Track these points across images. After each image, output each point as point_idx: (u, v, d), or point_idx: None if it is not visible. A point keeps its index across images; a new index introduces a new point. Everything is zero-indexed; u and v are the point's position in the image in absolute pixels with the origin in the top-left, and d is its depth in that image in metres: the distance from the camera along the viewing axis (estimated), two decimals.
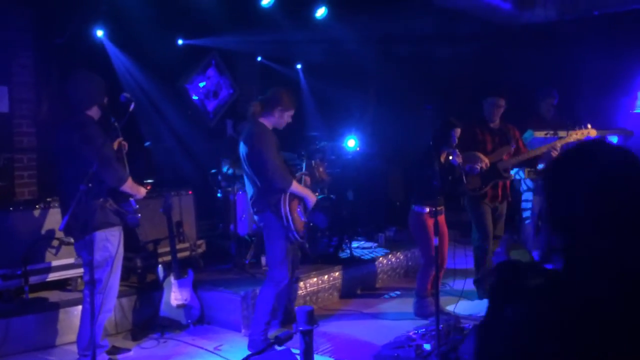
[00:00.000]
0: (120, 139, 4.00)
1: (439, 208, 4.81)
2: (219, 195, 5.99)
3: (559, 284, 1.36)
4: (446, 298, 5.27)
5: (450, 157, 4.73)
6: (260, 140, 4.05)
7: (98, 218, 3.64)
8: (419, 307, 4.95)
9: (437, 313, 3.64)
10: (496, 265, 1.54)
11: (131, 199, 3.90)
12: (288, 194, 4.08)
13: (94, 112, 3.83)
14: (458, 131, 4.77)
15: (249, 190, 4.24)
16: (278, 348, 3.60)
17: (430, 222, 4.83)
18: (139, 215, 3.96)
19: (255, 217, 4.33)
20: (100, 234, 3.70)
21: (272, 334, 4.36)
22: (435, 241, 3.84)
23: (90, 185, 3.15)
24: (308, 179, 4.63)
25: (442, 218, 4.97)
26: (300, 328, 2.28)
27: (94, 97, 3.79)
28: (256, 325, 4.19)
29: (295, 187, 4.13)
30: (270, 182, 4.02)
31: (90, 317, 3.30)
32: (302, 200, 4.27)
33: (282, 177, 4.02)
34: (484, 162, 5.09)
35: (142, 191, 3.97)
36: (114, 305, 4.01)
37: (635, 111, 7.85)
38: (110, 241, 3.77)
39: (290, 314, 4.79)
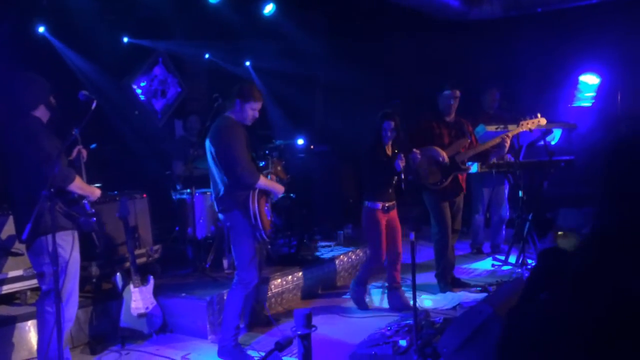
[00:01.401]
0: (80, 147, 3.77)
1: (389, 203, 4.90)
2: (173, 197, 5.77)
3: (598, 273, 1.35)
4: (408, 293, 5.28)
5: (396, 151, 4.78)
6: (228, 134, 3.93)
7: (45, 222, 3.38)
8: (353, 292, 5.09)
9: (414, 309, 3.63)
10: (540, 252, 1.52)
11: (84, 201, 3.68)
12: (257, 190, 3.97)
13: (41, 113, 3.62)
14: (392, 123, 4.82)
15: (214, 188, 4.09)
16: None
17: (381, 218, 4.90)
18: (94, 219, 3.74)
19: (221, 217, 4.19)
20: (49, 238, 3.41)
21: (240, 338, 4.22)
22: (411, 236, 3.85)
23: (52, 190, 2.92)
24: (273, 177, 4.56)
25: (394, 213, 5.04)
26: (299, 332, 2.19)
27: (37, 97, 3.60)
28: (226, 330, 4.04)
29: (263, 181, 4.03)
30: (238, 178, 3.88)
31: (57, 327, 3.07)
32: (268, 196, 4.17)
33: (251, 173, 3.91)
34: (442, 155, 5.16)
35: (97, 192, 3.76)
36: (75, 313, 3.76)
37: (573, 105, 8.22)
38: (62, 246, 3.52)
39: (258, 315, 4.67)
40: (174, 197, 5.75)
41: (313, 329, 2.16)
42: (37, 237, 3.41)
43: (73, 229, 3.63)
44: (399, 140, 4.95)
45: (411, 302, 4.84)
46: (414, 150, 4.80)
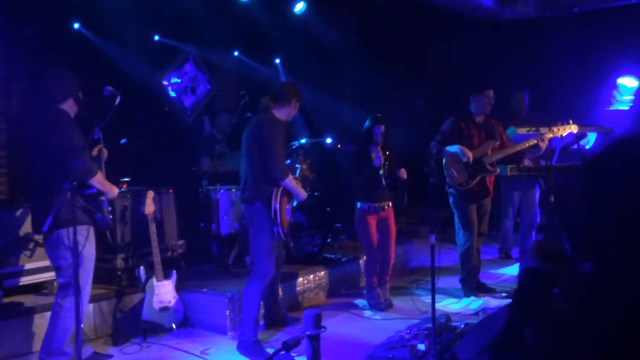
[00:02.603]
0: (101, 145, 3.83)
1: (378, 204, 4.98)
2: (199, 193, 5.82)
3: (587, 317, 1.20)
4: (428, 297, 5.20)
5: (373, 155, 4.88)
6: (271, 127, 4.06)
7: (64, 215, 3.42)
8: (369, 299, 5.11)
9: (433, 312, 3.57)
10: (522, 271, 1.43)
11: (102, 197, 3.71)
12: (281, 188, 4.03)
13: (69, 106, 3.70)
14: (382, 127, 4.97)
15: (243, 176, 4.18)
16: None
17: (370, 218, 4.99)
18: (110, 217, 3.79)
19: (242, 207, 4.25)
20: (66, 232, 3.49)
21: (259, 335, 4.23)
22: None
23: (74, 183, 2.97)
24: (299, 180, 4.60)
25: (385, 214, 5.05)
26: (307, 332, 2.17)
27: (66, 91, 3.68)
28: (245, 324, 4.07)
29: (291, 181, 4.10)
30: (268, 170, 3.98)
31: (76, 321, 3.12)
32: (291, 197, 4.23)
33: (282, 168, 4.04)
34: (467, 155, 5.07)
35: (115, 190, 3.79)
36: (85, 309, 3.79)
37: (610, 108, 7.96)
38: (78, 240, 3.50)
39: (275, 316, 4.68)
40: (199, 193, 5.80)
41: (322, 329, 2.13)
42: (55, 229, 3.46)
43: (89, 224, 3.68)
44: (388, 146, 5.06)
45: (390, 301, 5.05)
46: (378, 152, 4.88)
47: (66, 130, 3.50)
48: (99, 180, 3.62)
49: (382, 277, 5.17)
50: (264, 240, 4.06)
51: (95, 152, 3.91)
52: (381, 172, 4.85)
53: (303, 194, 4.26)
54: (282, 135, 4.10)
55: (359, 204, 5.07)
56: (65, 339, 3.62)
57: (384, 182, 4.85)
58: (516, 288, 1.38)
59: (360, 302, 5.24)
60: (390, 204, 5.10)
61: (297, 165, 5.30)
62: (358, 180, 5.03)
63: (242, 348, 4.08)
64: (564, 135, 5.45)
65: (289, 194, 4.18)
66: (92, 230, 3.70)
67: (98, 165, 3.75)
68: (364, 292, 5.21)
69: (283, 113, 4.21)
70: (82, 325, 3.64)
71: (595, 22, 7.38)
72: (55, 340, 3.56)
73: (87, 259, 3.64)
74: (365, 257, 5.25)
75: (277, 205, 3.99)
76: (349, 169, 7.68)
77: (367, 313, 5.00)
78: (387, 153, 4.99)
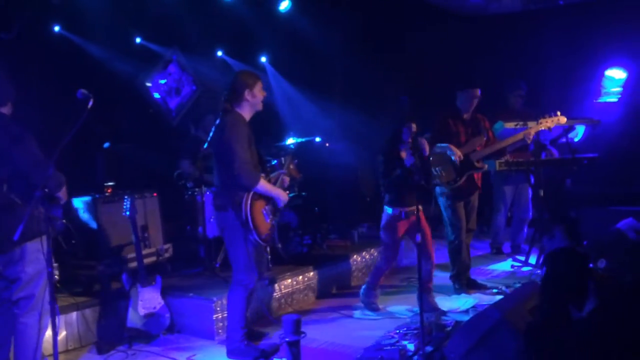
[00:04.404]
0: None
1: (409, 209, 4.68)
2: (185, 196, 5.73)
3: None
4: (414, 294, 5.13)
5: (404, 155, 4.62)
6: (232, 129, 3.81)
7: (29, 227, 3.22)
8: (365, 296, 4.95)
9: (421, 313, 3.51)
10: (552, 252, 1.39)
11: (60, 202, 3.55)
12: (252, 192, 3.83)
13: (7, 110, 3.50)
14: (413, 126, 4.64)
15: (215, 182, 4.03)
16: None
17: (400, 225, 4.77)
18: (64, 220, 3.65)
19: (215, 215, 4.13)
20: (32, 246, 3.35)
21: None
22: (417, 238, 3.74)
23: (46, 190, 2.87)
24: (287, 179, 4.37)
25: (419, 217, 4.81)
26: (287, 339, 2.09)
27: (5, 93, 3.48)
28: (232, 332, 3.96)
29: (263, 185, 3.88)
30: (235, 176, 3.75)
31: (53, 333, 3.02)
32: (271, 200, 4.02)
33: (249, 174, 3.77)
34: (457, 154, 5.02)
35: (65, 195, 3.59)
36: (48, 320, 3.52)
37: (599, 100, 7.93)
38: (42, 252, 3.36)
39: (260, 318, 4.59)
40: (185, 196, 5.72)
41: (302, 335, 2.06)
42: (24, 242, 3.30)
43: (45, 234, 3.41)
44: (417, 145, 4.67)
45: (438, 305, 4.84)
46: (410, 152, 4.59)
47: (28, 141, 3.31)
48: (65, 192, 3.48)
49: (426, 284, 4.75)
50: (240, 248, 3.87)
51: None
52: (412, 173, 4.55)
53: (282, 195, 4.03)
54: (244, 136, 3.81)
55: (390, 210, 4.77)
56: (39, 356, 3.48)
57: (416, 183, 4.54)
58: (547, 269, 1.36)
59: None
60: (421, 207, 4.75)
61: (274, 161, 5.10)
62: (387, 182, 4.74)
63: (234, 355, 3.94)
64: (551, 127, 5.41)
65: (266, 197, 3.99)
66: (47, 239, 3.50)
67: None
68: (363, 288, 4.99)
69: (245, 108, 3.93)
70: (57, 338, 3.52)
71: (581, 14, 7.35)
72: (37, 357, 3.43)
73: (45, 271, 3.40)
74: (378, 260, 5.03)
75: (249, 210, 3.78)
76: (338, 167, 7.67)
77: (357, 314, 4.93)
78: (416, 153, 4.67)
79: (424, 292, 4.79)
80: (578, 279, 1.36)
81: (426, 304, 4.77)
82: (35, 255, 3.38)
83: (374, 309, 4.92)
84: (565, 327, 1.31)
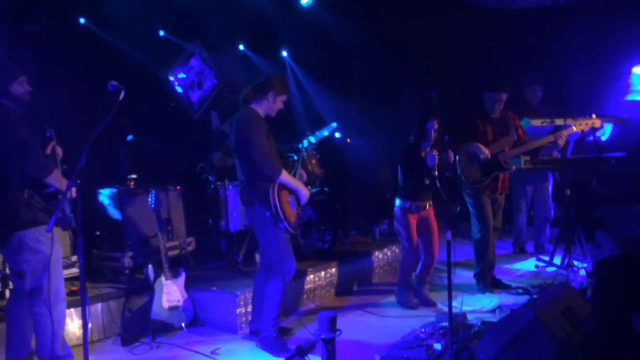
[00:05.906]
0: (54, 142, 3.66)
1: (420, 203, 4.75)
2: (207, 190, 5.72)
3: None
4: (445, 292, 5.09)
5: (426, 154, 4.61)
6: (250, 125, 3.87)
7: (23, 216, 3.25)
8: (400, 296, 4.97)
9: (450, 313, 3.45)
10: (605, 261, 1.34)
11: (65, 202, 3.45)
12: (277, 184, 3.87)
13: (23, 89, 3.45)
14: (435, 123, 4.65)
15: (239, 177, 4.05)
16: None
17: (410, 217, 4.77)
18: (72, 215, 3.54)
19: (244, 209, 4.14)
20: (30, 235, 3.31)
21: None
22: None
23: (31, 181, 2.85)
24: (304, 174, 4.42)
25: (426, 213, 4.86)
26: (323, 336, 2.06)
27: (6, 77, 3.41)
28: (266, 320, 3.99)
29: (286, 177, 3.93)
30: (257, 170, 3.82)
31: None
32: (293, 192, 4.05)
33: (271, 165, 3.83)
34: (485, 153, 4.95)
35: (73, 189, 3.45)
36: (65, 309, 3.58)
37: (627, 98, 7.77)
38: (43, 242, 3.35)
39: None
40: (208, 190, 5.71)
41: (337, 332, 2.03)
42: (15, 231, 3.26)
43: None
44: (442, 142, 4.70)
45: (432, 300, 4.89)
46: (432, 152, 4.59)
47: (14, 127, 3.27)
48: (56, 178, 3.39)
49: (423, 277, 4.94)
50: (273, 238, 3.91)
51: (48, 150, 3.68)
52: (435, 172, 4.51)
53: (303, 189, 4.05)
54: (263, 130, 3.86)
55: (399, 201, 4.79)
56: (58, 342, 3.45)
57: (438, 183, 4.50)
58: (600, 278, 1.31)
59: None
60: (431, 203, 4.84)
61: (295, 156, 5.10)
62: (407, 180, 4.74)
63: (263, 344, 4.01)
64: (585, 130, 5.31)
65: (289, 190, 4.01)
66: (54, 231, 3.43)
67: (54, 164, 3.54)
68: (396, 288, 5.00)
69: (262, 107, 4.00)
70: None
71: (609, 10, 7.19)
72: (54, 350, 3.42)
73: (54, 261, 3.44)
74: (401, 256, 5.02)
75: (277, 200, 3.83)
76: (359, 163, 7.61)
77: (381, 311, 4.89)
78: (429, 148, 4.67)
79: (419, 284, 4.95)
80: (637, 286, 1.30)
81: (419, 295, 4.93)
82: (36, 245, 3.35)
83: (411, 307, 4.87)
84: (628, 337, 1.25)
